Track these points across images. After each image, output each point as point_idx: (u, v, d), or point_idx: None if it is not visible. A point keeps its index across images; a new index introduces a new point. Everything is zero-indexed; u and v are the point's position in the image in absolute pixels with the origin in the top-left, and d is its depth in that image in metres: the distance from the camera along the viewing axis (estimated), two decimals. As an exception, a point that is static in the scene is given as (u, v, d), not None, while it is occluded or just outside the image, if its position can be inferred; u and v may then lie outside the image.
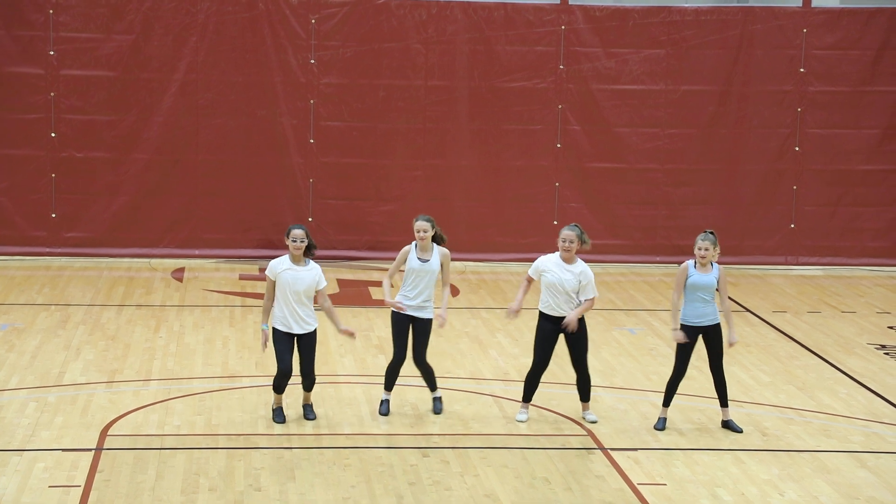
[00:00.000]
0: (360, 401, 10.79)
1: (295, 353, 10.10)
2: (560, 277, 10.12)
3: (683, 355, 10.20)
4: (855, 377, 12.04)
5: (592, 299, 10.22)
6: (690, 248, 17.05)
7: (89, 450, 9.42)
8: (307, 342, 10.06)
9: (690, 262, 10.25)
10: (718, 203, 17.15)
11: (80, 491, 8.67)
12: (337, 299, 14.73)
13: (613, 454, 9.65)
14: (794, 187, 17.17)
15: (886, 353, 12.96)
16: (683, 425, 10.39)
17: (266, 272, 10.03)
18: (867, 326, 14.15)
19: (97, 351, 12.21)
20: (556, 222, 16.89)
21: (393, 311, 10.39)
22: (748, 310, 14.76)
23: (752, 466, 9.49)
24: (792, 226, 17.22)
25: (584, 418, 10.37)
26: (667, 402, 10.31)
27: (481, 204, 17.06)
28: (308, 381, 10.17)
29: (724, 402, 10.31)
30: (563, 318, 10.14)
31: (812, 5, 16.93)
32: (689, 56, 16.86)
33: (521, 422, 10.31)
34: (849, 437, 10.24)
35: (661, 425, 10.25)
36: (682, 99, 16.94)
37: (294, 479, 8.97)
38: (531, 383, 10.34)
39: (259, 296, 14.80)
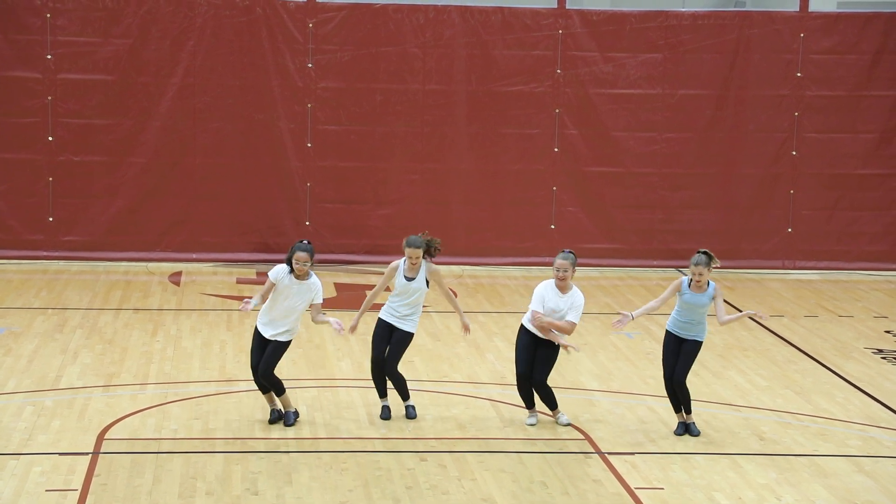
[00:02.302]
0: (358, 405, 10.79)
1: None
2: (554, 306, 10.10)
3: (669, 361, 10.19)
4: (852, 381, 12.05)
5: (572, 323, 10.11)
6: (687, 251, 17.13)
7: (86, 454, 9.42)
8: (273, 347, 10.07)
9: (686, 279, 10.19)
10: (715, 207, 17.16)
11: (76, 495, 8.67)
12: (334, 303, 14.73)
13: (611, 458, 9.65)
14: (791, 191, 17.18)
15: (883, 358, 12.97)
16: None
17: (269, 274, 10.04)
18: (864, 331, 14.16)
19: (94, 355, 12.21)
20: (553, 226, 16.90)
21: (379, 318, 10.39)
22: (745, 314, 14.75)
23: (749, 471, 9.50)
24: (789, 230, 17.23)
25: (557, 422, 10.38)
26: (677, 408, 10.32)
27: (479, 208, 17.07)
28: (266, 384, 10.15)
29: (689, 409, 10.32)
30: (541, 337, 10.12)
31: (809, 10, 16.96)
32: (686, 60, 16.88)
33: (532, 425, 10.28)
34: (846, 442, 10.25)
35: (680, 430, 10.25)
36: (679, 103, 16.95)
37: (291, 483, 8.97)
38: (525, 391, 10.34)
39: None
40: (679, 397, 10.26)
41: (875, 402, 11.38)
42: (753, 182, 17.17)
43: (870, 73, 17.01)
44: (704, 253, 10.15)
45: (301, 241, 10.05)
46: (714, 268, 10.16)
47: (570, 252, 10.22)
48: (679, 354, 10.18)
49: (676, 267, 17.17)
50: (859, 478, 9.42)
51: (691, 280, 10.12)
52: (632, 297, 15.57)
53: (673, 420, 10.59)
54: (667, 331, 10.26)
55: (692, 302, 10.10)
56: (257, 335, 10.12)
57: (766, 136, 17.10)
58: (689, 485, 9.17)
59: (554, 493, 8.96)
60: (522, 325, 10.24)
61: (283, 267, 10.05)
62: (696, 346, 10.18)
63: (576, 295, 10.16)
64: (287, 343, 10.11)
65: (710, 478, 9.32)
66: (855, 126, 17.10)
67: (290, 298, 10.00)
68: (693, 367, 12.43)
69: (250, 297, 10.07)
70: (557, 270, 10.14)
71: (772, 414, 10.78)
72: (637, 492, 8.99)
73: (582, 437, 10.14)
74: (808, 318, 14.77)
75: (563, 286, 10.15)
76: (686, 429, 10.28)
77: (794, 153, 17.12)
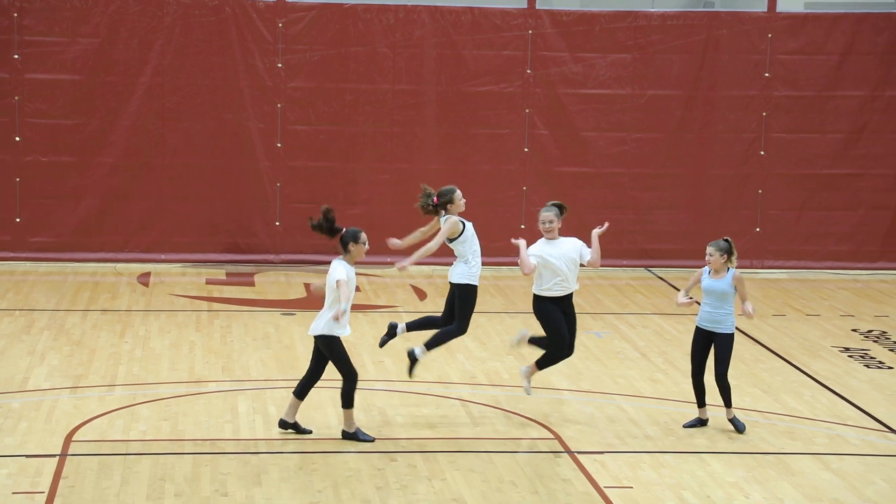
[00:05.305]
0: (327, 405, 10.77)
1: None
2: (559, 251, 10.29)
3: (695, 355, 10.24)
4: (819, 380, 12.14)
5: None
6: (658, 252, 17.37)
7: (53, 456, 9.36)
8: None
9: (706, 267, 10.28)
10: (685, 207, 17.24)
11: (44, 497, 8.62)
12: (305, 304, 14.70)
13: (580, 457, 9.68)
14: (760, 191, 17.28)
15: (850, 356, 13.07)
16: (649, 428, 10.44)
17: (347, 279, 9.56)
18: (831, 329, 14.26)
19: (62, 356, 12.13)
20: (523, 226, 16.92)
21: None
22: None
23: (717, 469, 9.55)
24: (757, 230, 17.33)
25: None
26: (701, 403, 10.36)
27: (449, 208, 17.04)
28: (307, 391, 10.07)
29: (727, 404, 10.36)
30: (566, 296, 10.35)
31: (777, 10, 17.06)
32: (655, 61, 16.95)
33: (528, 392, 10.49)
34: (813, 440, 10.32)
35: (694, 423, 10.36)
36: (648, 103, 17.02)
37: (260, 485, 8.95)
38: (551, 363, 10.45)
39: (226, 300, 14.76)
40: (720, 392, 10.27)
41: (842, 400, 11.46)
42: (722, 182, 17.26)
43: (837, 73, 17.13)
44: (725, 240, 10.32)
45: (348, 229, 9.75)
46: (734, 259, 10.24)
47: (552, 204, 10.48)
48: (707, 350, 10.22)
49: (646, 266, 17.24)
50: (826, 475, 9.49)
51: (709, 267, 10.22)
52: (601, 297, 15.60)
53: (641, 419, 10.63)
54: (696, 327, 10.29)
55: (711, 288, 10.17)
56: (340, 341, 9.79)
57: (734, 137, 17.19)
58: (658, 483, 9.21)
59: (523, 492, 8.98)
60: (545, 297, 10.29)
61: (340, 263, 9.67)
62: (727, 339, 10.20)
63: (569, 239, 10.43)
64: None
65: (679, 476, 9.36)
66: (822, 126, 17.22)
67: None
68: (660, 365, 12.52)
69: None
70: (543, 223, 10.34)
71: (740, 412, 10.81)
72: (606, 491, 9.02)
73: (552, 436, 10.16)
74: (776, 317, 14.85)
75: (552, 237, 10.38)
76: (733, 424, 10.31)
77: (763, 153, 17.22)
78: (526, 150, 17.02)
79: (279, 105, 16.62)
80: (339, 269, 9.63)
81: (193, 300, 14.73)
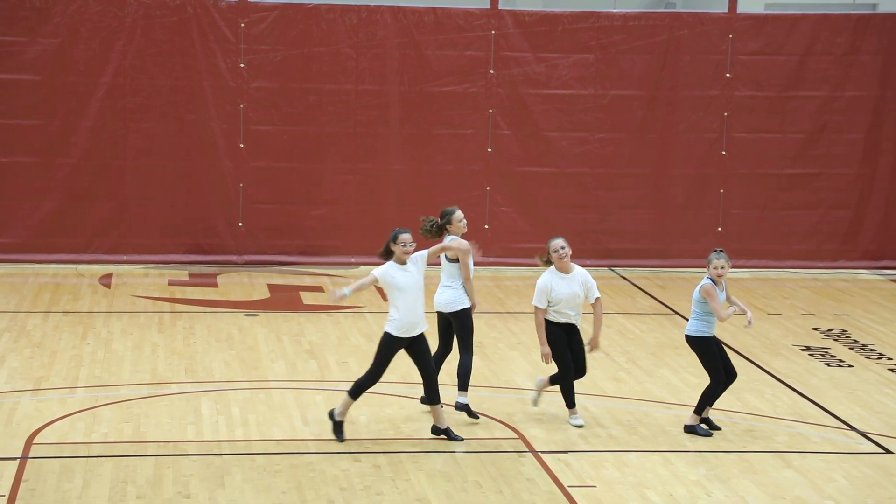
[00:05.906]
0: (291, 406, 10.75)
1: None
2: (568, 291, 10.25)
3: (720, 362, 10.27)
4: (780, 378, 12.23)
5: (600, 300, 10.43)
6: (621, 251, 17.41)
7: (14, 459, 9.29)
8: (423, 342, 9.87)
9: (710, 281, 10.18)
10: (648, 207, 17.33)
11: (4, 500, 8.55)
12: (268, 304, 14.66)
13: (544, 457, 9.71)
14: (721, 191, 17.39)
15: (811, 355, 13.18)
16: (613, 427, 10.48)
17: (381, 276, 9.61)
18: (792, 328, 14.37)
19: (22, 358, 12.03)
20: (486, 227, 16.95)
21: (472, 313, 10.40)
22: (676, 312, 14.92)
23: (680, 468, 9.60)
24: (719, 229, 17.44)
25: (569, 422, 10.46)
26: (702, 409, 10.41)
27: (413, 208, 16.98)
28: (435, 390, 9.90)
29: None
30: (572, 324, 10.31)
31: (738, 11, 17.18)
32: (617, 61, 17.02)
33: (580, 426, 10.36)
34: (774, 438, 10.40)
35: (704, 431, 10.34)
36: (610, 103, 17.09)
37: (224, 486, 8.92)
38: (568, 389, 10.41)
39: (189, 301, 14.69)
40: (720, 395, 10.33)
41: (803, 399, 11.56)
42: (685, 182, 17.35)
43: (797, 73, 17.27)
44: (722, 251, 10.30)
45: (398, 229, 9.71)
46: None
47: (559, 237, 10.45)
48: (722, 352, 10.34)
49: (609, 266, 17.31)
50: (787, 473, 9.57)
51: (713, 279, 10.15)
52: (565, 297, 15.63)
53: (604, 418, 10.68)
54: (710, 337, 10.25)
55: (721, 299, 10.23)
56: (398, 343, 9.70)
57: (696, 137, 17.29)
58: (621, 482, 9.25)
59: (487, 492, 9.00)
60: (551, 322, 10.24)
61: (383, 269, 9.67)
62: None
63: (580, 271, 10.36)
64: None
65: (642, 475, 9.41)
66: (783, 126, 17.35)
67: (417, 286, 9.67)
68: (623, 364, 12.60)
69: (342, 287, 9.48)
70: (557, 251, 10.27)
71: (702, 411, 10.89)
72: (570, 490, 9.05)
73: (515, 436, 10.19)
74: (738, 315, 14.89)
75: (564, 266, 10.30)
76: (708, 424, 10.39)
77: (724, 153, 17.33)
78: (489, 150, 17.05)
79: (242, 105, 16.56)
80: (378, 268, 9.72)
81: (156, 301, 14.65)
